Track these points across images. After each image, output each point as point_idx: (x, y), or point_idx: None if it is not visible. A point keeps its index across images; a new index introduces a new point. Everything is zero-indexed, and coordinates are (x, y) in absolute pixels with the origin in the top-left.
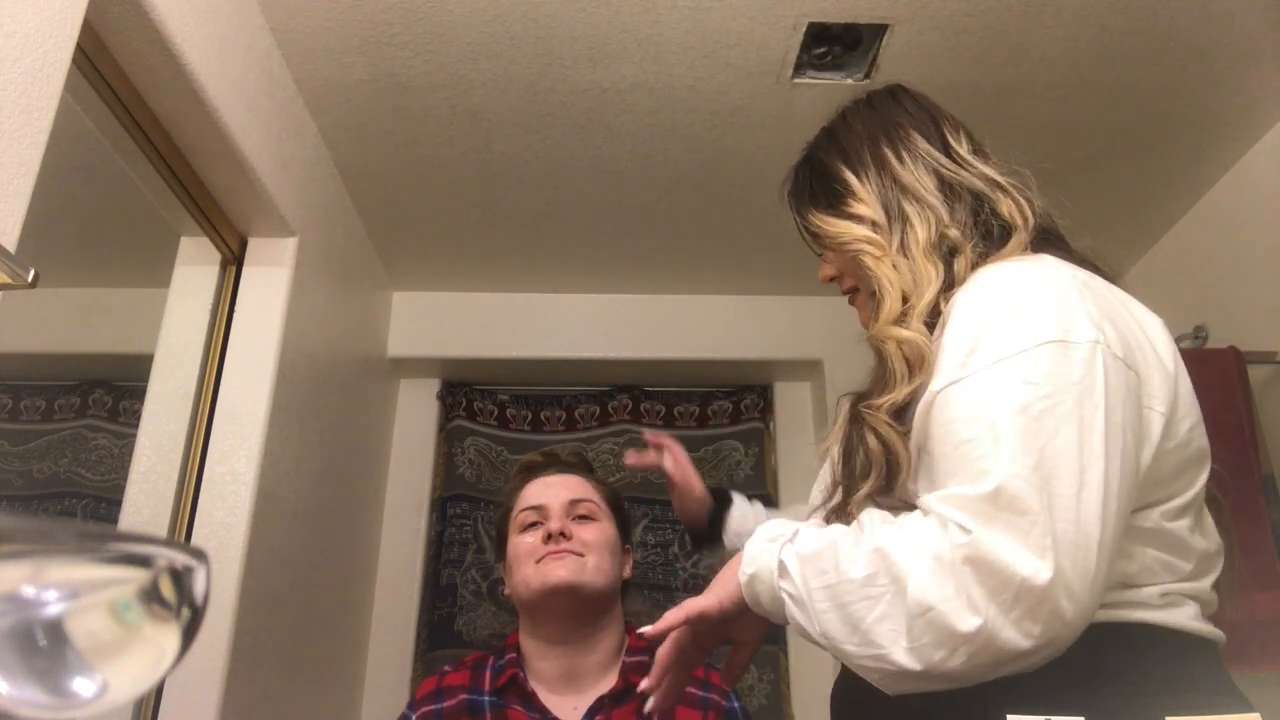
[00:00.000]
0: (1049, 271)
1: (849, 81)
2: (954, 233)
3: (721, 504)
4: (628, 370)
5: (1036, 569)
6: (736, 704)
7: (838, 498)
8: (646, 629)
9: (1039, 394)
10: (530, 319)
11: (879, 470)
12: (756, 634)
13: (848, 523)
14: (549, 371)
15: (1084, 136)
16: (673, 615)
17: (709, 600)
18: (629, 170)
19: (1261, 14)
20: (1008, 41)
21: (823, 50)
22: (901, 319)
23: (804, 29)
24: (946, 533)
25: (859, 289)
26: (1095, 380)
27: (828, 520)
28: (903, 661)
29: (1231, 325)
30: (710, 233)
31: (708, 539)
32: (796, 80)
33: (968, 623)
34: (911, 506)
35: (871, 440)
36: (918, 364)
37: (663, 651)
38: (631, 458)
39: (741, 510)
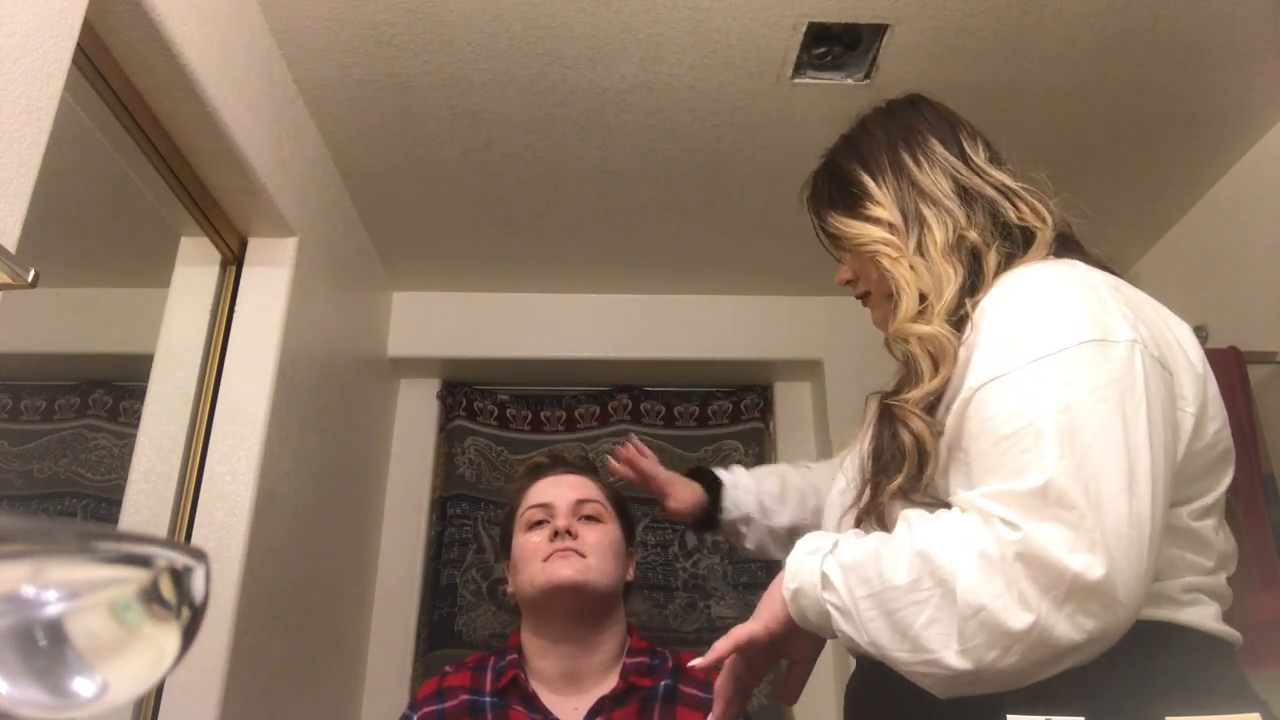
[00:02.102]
0: (1080, 273)
1: (849, 81)
2: (973, 235)
3: (711, 487)
4: (628, 370)
5: (1088, 563)
6: None
7: (868, 496)
8: (696, 661)
9: (1081, 392)
10: (530, 319)
11: (911, 463)
12: (810, 651)
13: (880, 519)
14: (549, 371)
15: (1084, 136)
16: (722, 645)
17: (756, 625)
18: (629, 170)
19: (1261, 14)
20: (1008, 41)
21: (823, 50)
22: (919, 316)
23: (804, 29)
24: (991, 528)
25: (872, 293)
26: (1136, 378)
27: (859, 521)
28: (955, 664)
29: (1231, 325)
30: (710, 233)
31: (706, 526)
32: (796, 80)
33: (1020, 620)
34: (942, 503)
35: (904, 434)
36: (941, 358)
37: (721, 684)
38: (614, 464)
39: (733, 496)
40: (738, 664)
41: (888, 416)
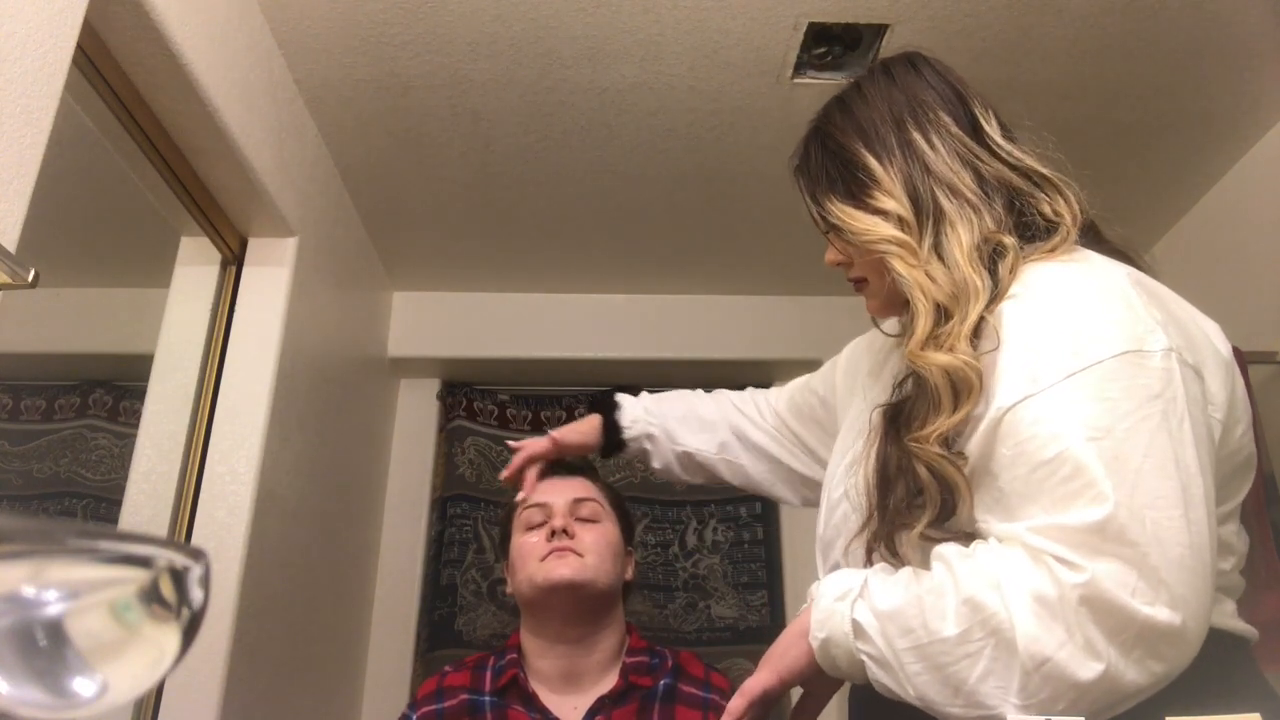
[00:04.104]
0: (1104, 272)
1: (849, 82)
2: (1009, 239)
3: (606, 410)
4: (628, 370)
5: (1156, 605)
6: None
7: (875, 525)
8: None
9: (1122, 411)
10: (530, 319)
11: (934, 505)
12: (831, 689)
13: (890, 546)
14: (549, 371)
15: (1084, 137)
16: (736, 704)
17: (768, 677)
18: (629, 170)
19: (1261, 14)
20: (1008, 41)
21: (823, 50)
22: (939, 339)
23: (804, 29)
24: (1045, 569)
25: (868, 279)
26: (1176, 391)
27: (869, 552)
28: (1016, 718)
29: (1231, 325)
30: (710, 233)
31: (609, 449)
32: (796, 80)
33: (1089, 670)
34: (964, 534)
35: (922, 472)
36: (966, 393)
37: None
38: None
39: (632, 414)
40: (753, 711)
41: (898, 445)
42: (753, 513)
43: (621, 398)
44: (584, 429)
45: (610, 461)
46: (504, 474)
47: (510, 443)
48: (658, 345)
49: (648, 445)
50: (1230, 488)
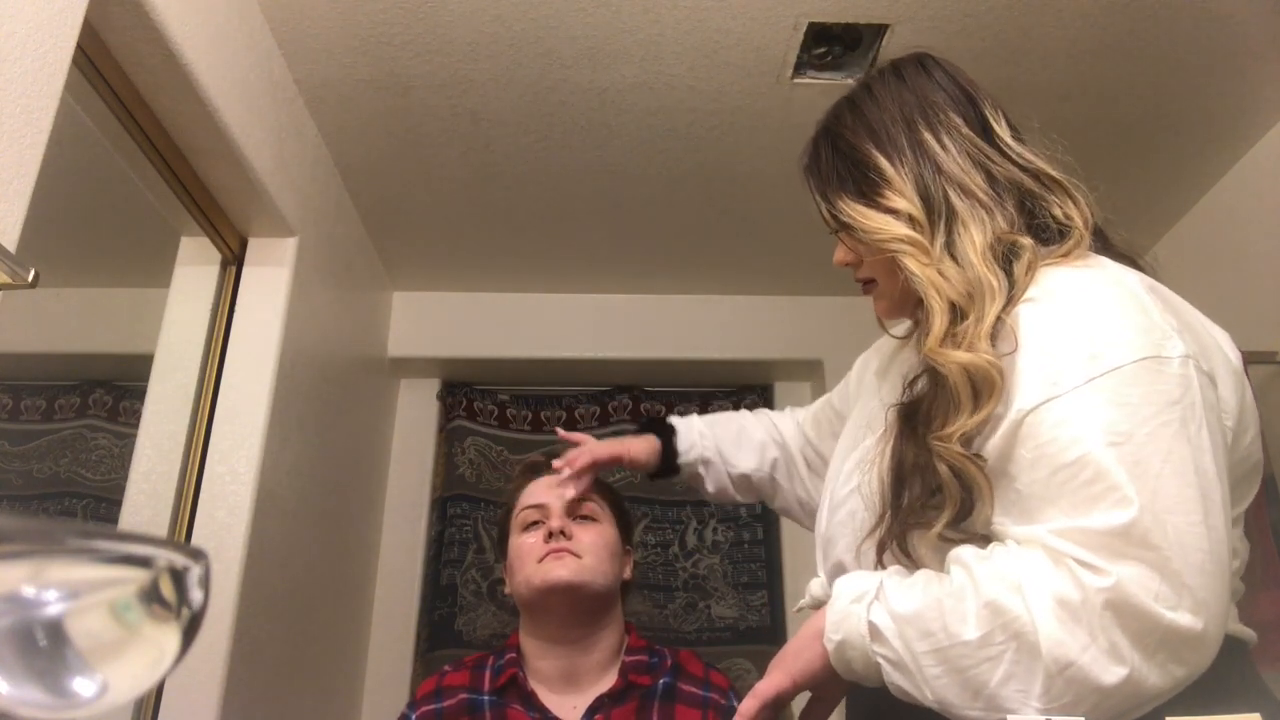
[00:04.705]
0: (1119, 278)
1: (849, 82)
2: (1025, 240)
3: (664, 434)
4: (628, 370)
5: (1179, 610)
6: (736, 703)
7: (888, 524)
8: None
9: (1142, 416)
10: (530, 319)
11: (953, 505)
12: (840, 692)
13: (902, 546)
14: (549, 371)
15: (1083, 138)
16: (748, 706)
17: (780, 679)
18: (629, 170)
19: (1261, 14)
20: (1007, 42)
21: (823, 50)
22: (956, 337)
23: (804, 29)
24: (1067, 571)
25: (877, 280)
26: (1194, 397)
27: (880, 551)
28: None
29: (1232, 325)
30: (710, 233)
31: (663, 473)
32: (796, 80)
33: (1112, 674)
34: (978, 535)
35: (944, 471)
36: (987, 392)
37: None
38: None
39: (688, 439)
40: (765, 713)
41: (918, 446)
42: (753, 513)
43: (676, 421)
44: (645, 447)
45: None
46: (557, 464)
47: (560, 431)
48: (658, 345)
49: (702, 470)
50: (1238, 493)
